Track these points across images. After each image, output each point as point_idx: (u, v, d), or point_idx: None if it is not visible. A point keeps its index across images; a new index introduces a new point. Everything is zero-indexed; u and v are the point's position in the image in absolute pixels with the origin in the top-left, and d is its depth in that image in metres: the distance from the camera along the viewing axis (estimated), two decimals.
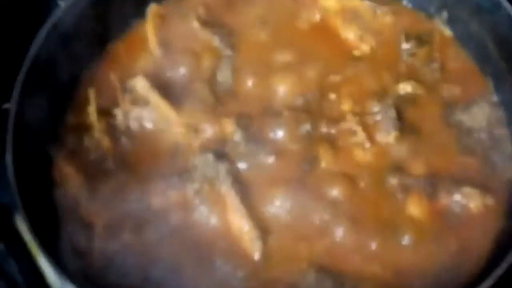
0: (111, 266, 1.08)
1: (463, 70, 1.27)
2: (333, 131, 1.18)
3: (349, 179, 1.14)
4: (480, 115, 1.20)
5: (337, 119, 1.19)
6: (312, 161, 1.15)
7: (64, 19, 1.20)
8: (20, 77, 1.13)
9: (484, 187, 1.13)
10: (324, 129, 1.18)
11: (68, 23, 1.21)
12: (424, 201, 1.12)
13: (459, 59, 1.28)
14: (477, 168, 1.16)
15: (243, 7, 1.34)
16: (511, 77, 1.21)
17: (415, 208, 1.11)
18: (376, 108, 1.19)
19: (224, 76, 1.26)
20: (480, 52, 1.26)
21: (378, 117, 1.18)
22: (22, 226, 1.03)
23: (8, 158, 1.05)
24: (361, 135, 1.16)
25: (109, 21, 1.29)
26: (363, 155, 1.16)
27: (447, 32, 1.30)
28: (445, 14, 1.30)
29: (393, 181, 1.13)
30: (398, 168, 1.15)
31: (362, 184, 1.14)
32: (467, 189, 1.11)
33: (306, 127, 1.18)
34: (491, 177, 1.16)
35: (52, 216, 1.11)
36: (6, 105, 1.26)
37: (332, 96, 1.21)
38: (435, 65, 1.25)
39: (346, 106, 1.20)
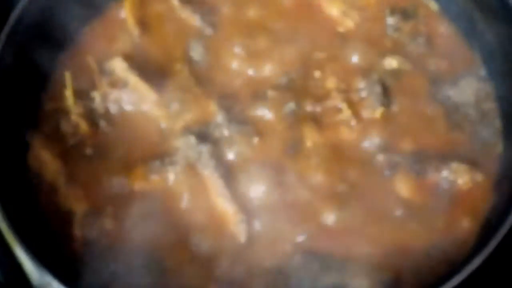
0: (92, 254, 1.06)
1: (449, 44, 1.25)
2: (318, 109, 1.16)
3: (335, 158, 1.11)
4: (467, 90, 1.18)
5: (322, 97, 1.17)
6: (297, 141, 1.13)
7: (35, 2, 1.17)
8: None
9: (473, 163, 1.11)
10: (309, 107, 1.16)
11: (43, 3, 1.18)
12: (412, 178, 1.10)
13: (445, 33, 1.25)
14: (465, 143, 1.14)
15: None
16: (499, 50, 1.18)
17: (402, 185, 1.09)
18: (361, 84, 1.17)
19: (198, 54, 1.23)
20: (467, 25, 1.24)
21: (364, 94, 1.16)
22: None
23: None
24: (346, 112, 1.14)
25: (85, 0, 1.25)
26: (349, 132, 1.14)
27: (433, 5, 1.28)
28: None
29: (380, 158, 1.11)
30: (386, 145, 1.13)
31: (348, 163, 1.11)
32: (455, 165, 1.09)
33: (291, 106, 1.15)
34: (480, 152, 1.13)
35: (29, 204, 1.08)
36: None
37: (317, 73, 1.19)
38: (421, 40, 1.23)
39: (330, 83, 1.18)
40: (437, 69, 1.21)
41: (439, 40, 1.24)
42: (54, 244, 1.05)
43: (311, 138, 1.13)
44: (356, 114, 1.14)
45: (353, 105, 1.15)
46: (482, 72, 1.21)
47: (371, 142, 1.13)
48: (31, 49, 1.17)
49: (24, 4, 1.15)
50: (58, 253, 1.04)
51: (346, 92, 1.16)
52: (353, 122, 1.14)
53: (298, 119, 1.15)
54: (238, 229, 1.07)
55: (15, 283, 0.99)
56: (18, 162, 1.11)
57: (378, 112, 1.14)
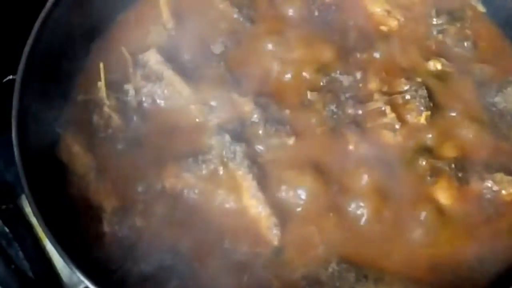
0: (121, 251, 1.06)
1: (496, 48, 1.25)
2: (360, 111, 1.15)
3: (377, 163, 1.11)
4: None
5: (364, 99, 1.17)
6: (338, 143, 1.13)
7: None
8: (26, 49, 1.10)
9: None
10: (350, 110, 1.15)
11: None
12: (454, 185, 1.10)
13: (492, 38, 1.26)
14: (510, 153, 1.14)
15: None
16: None
17: (443, 192, 1.09)
18: (405, 86, 1.16)
19: (235, 49, 1.22)
20: None
21: (408, 96, 1.15)
22: (28, 208, 1.01)
23: (14, 136, 1.03)
24: (390, 116, 1.14)
25: None
26: (393, 136, 1.13)
27: (480, 8, 1.28)
28: None
29: (423, 163, 1.11)
30: (428, 150, 1.13)
31: (390, 169, 1.11)
32: (500, 175, 1.09)
33: (332, 108, 1.15)
34: None
35: (60, 199, 1.09)
36: (10, 77, 1.24)
37: (358, 74, 1.19)
38: (467, 43, 1.23)
39: (373, 85, 1.18)
40: (482, 74, 1.21)
41: (485, 45, 1.25)
42: (84, 240, 1.06)
43: (353, 141, 1.13)
44: (400, 117, 1.14)
45: (397, 108, 1.15)
46: None
47: (415, 146, 1.13)
48: (65, 38, 1.17)
49: None
50: (88, 250, 1.05)
51: (389, 95, 1.16)
52: (397, 126, 1.13)
53: (339, 121, 1.14)
54: (270, 233, 1.07)
55: (45, 279, 0.99)
56: (49, 154, 1.12)
57: (423, 116, 1.14)
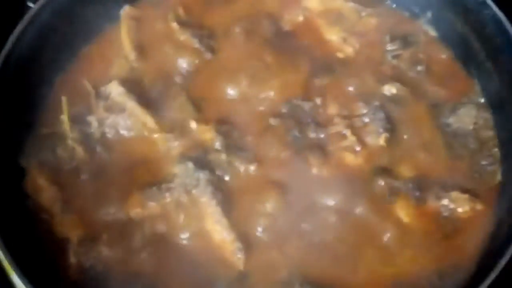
0: (87, 281, 1.09)
1: (448, 71, 1.30)
2: (322, 135, 1.20)
3: (339, 184, 1.15)
4: (466, 117, 1.22)
5: (325, 123, 1.21)
6: (301, 167, 1.17)
7: (34, 22, 1.21)
8: None
9: (473, 192, 1.16)
10: (312, 134, 1.20)
11: (38, 26, 1.22)
12: (412, 204, 1.14)
13: (444, 60, 1.31)
14: (465, 172, 1.19)
15: (223, 7, 1.35)
16: (497, 78, 1.24)
17: (402, 211, 1.14)
18: (364, 110, 1.21)
19: (196, 79, 1.27)
20: (466, 53, 1.29)
21: (366, 119, 1.20)
22: None
23: None
24: (351, 138, 1.18)
25: (81, 24, 1.29)
26: (354, 158, 1.18)
27: (432, 32, 1.33)
28: (429, 14, 1.33)
29: (382, 183, 1.15)
30: (387, 171, 1.17)
31: (352, 190, 1.15)
32: (455, 194, 1.14)
33: (294, 132, 1.19)
34: (479, 181, 1.18)
35: (26, 231, 1.11)
36: None
37: (318, 100, 1.23)
38: (420, 67, 1.28)
39: (333, 109, 1.22)
40: (436, 96, 1.26)
41: (438, 68, 1.29)
42: (50, 271, 1.08)
43: (316, 164, 1.17)
44: (360, 140, 1.18)
45: (356, 131, 1.19)
46: (481, 99, 1.26)
47: (374, 167, 1.17)
48: (28, 72, 1.21)
49: (21, 28, 1.19)
50: (55, 280, 1.07)
51: (349, 118, 1.21)
52: (358, 148, 1.18)
53: (302, 146, 1.18)
54: (235, 257, 1.10)
55: None
56: (15, 189, 1.14)
57: (382, 138, 1.18)
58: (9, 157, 1.16)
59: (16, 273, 0.99)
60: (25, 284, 0.98)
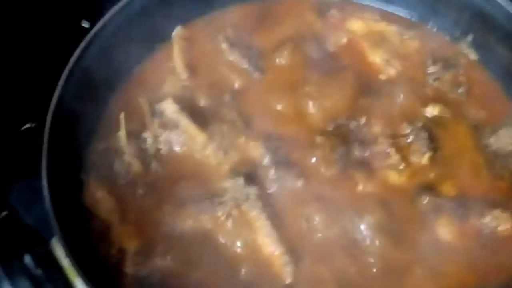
0: None
1: (489, 93, 1.34)
2: (366, 154, 1.24)
3: (383, 202, 1.20)
4: (506, 138, 1.26)
5: (369, 142, 1.26)
6: (347, 184, 1.22)
7: (92, 44, 1.27)
8: (53, 103, 1.19)
9: None
10: (357, 152, 1.24)
11: (96, 47, 1.28)
12: (454, 222, 1.18)
13: (484, 83, 1.35)
14: (506, 191, 1.23)
15: (271, 28, 1.40)
16: None
17: (445, 228, 1.18)
18: (407, 130, 1.25)
19: (245, 98, 1.32)
20: (506, 76, 1.33)
21: (410, 139, 1.24)
22: (59, 251, 1.09)
23: (44, 183, 1.11)
24: (395, 157, 1.22)
25: (135, 44, 1.35)
26: (398, 176, 1.22)
27: (473, 55, 1.37)
28: (470, 38, 1.37)
29: (425, 201, 1.20)
30: (430, 189, 1.21)
31: (395, 207, 1.20)
32: (497, 212, 1.18)
33: (340, 151, 1.24)
34: None
35: (86, 242, 1.17)
36: (27, 125, 1.33)
37: (362, 119, 1.28)
38: (461, 89, 1.32)
39: (377, 128, 1.27)
40: (476, 118, 1.30)
41: (478, 90, 1.34)
42: (109, 281, 1.14)
43: (361, 181, 1.22)
44: (404, 158, 1.23)
45: (400, 150, 1.23)
46: None
47: (417, 185, 1.22)
48: (86, 90, 1.27)
49: (80, 50, 1.25)
50: None
51: (393, 138, 1.25)
52: (402, 166, 1.22)
53: (347, 163, 1.23)
54: (284, 270, 1.15)
55: None
56: (75, 201, 1.20)
57: (425, 157, 1.23)
58: (70, 172, 1.22)
59: (82, 278, 1.05)
60: None
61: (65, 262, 1.07)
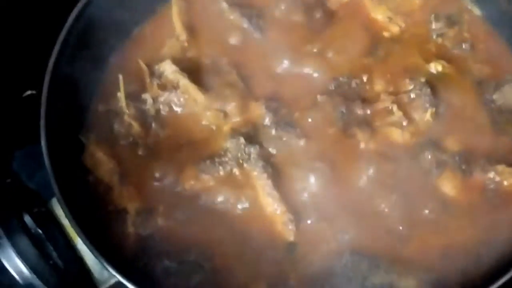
0: (145, 250, 1.15)
1: (493, 49, 1.32)
2: (368, 111, 1.23)
3: (385, 158, 1.19)
4: (511, 94, 1.25)
5: (371, 100, 1.24)
6: (348, 143, 1.21)
7: (90, 5, 1.25)
8: (50, 64, 1.18)
9: None
10: (359, 111, 1.23)
11: (94, 9, 1.26)
12: (458, 177, 1.17)
13: (489, 39, 1.33)
14: (510, 146, 1.22)
15: None
16: None
17: (449, 184, 1.17)
18: (410, 86, 1.24)
19: (246, 58, 1.30)
20: (510, 31, 1.31)
21: (413, 95, 1.23)
22: (59, 211, 1.09)
23: (43, 145, 1.11)
24: (397, 114, 1.21)
25: (133, 5, 1.33)
26: (401, 134, 1.21)
27: (476, 11, 1.35)
28: None
29: (428, 156, 1.18)
30: (434, 144, 1.20)
31: (398, 164, 1.19)
32: (501, 167, 1.17)
33: (341, 109, 1.23)
34: None
35: (86, 203, 1.17)
36: (28, 92, 1.33)
37: (364, 77, 1.26)
38: (465, 45, 1.30)
39: (379, 86, 1.25)
40: (481, 73, 1.28)
41: (482, 46, 1.32)
42: (110, 240, 1.14)
43: (363, 140, 1.20)
44: (407, 115, 1.21)
45: (403, 107, 1.22)
46: None
47: (420, 142, 1.21)
48: (84, 53, 1.25)
49: (77, 11, 1.23)
50: (115, 249, 1.13)
51: (395, 94, 1.24)
52: (405, 123, 1.21)
53: (349, 122, 1.22)
54: (285, 229, 1.15)
55: (78, 275, 1.07)
56: (75, 162, 1.20)
57: (428, 112, 1.21)
58: (70, 134, 1.22)
59: (82, 239, 1.05)
60: (90, 250, 1.04)
61: (66, 222, 1.07)
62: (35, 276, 1.00)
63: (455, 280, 1.11)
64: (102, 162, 1.21)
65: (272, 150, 1.21)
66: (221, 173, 1.19)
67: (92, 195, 1.19)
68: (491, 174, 1.17)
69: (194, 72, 1.27)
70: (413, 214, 1.15)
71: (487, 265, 1.11)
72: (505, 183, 1.17)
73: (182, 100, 1.25)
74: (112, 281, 1.10)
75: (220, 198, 1.18)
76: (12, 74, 1.42)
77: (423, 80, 1.24)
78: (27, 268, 1.00)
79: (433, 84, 1.24)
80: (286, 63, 1.29)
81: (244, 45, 1.32)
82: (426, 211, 1.15)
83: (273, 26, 1.33)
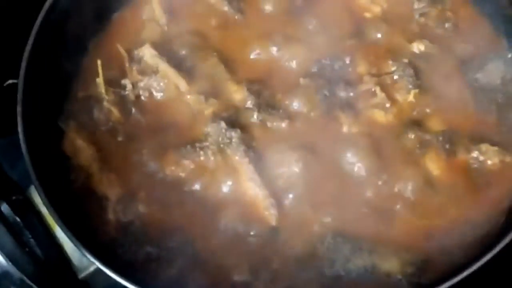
0: (125, 237, 1.13)
1: (476, 28, 1.31)
2: (351, 94, 1.22)
3: (369, 141, 1.18)
4: (494, 73, 1.24)
5: (354, 82, 1.23)
6: (331, 126, 1.20)
7: None
8: (26, 51, 1.17)
9: (502, 145, 1.17)
10: (342, 93, 1.22)
11: None
12: (442, 157, 1.16)
13: (472, 18, 1.32)
14: (494, 125, 1.21)
15: None
16: None
17: (433, 164, 1.16)
18: (392, 67, 1.23)
19: (226, 41, 1.29)
20: (493, 10, 1.30)
21: (396, 76, 1.22)
22: (37, 199, 1.08)
23: (20, 131, 1.10)
24: (380, 95, 1.20)
25: None
26: (384, 115, 1.20)
27: None
28: None
29: (412, 136, 1.17)
30: (417, 125, 1.19)
31: (382, 144, 1.18)
32: (485, 146, 1.16)
33: (324, 92, 1.22)
34: (508, 134, 1.20)
35: (66, 190, 1.16)
36: (10, 81, 1.31)
37: (347, 59, 1.25)
38: (448, 24, 1.29)
39: (362, 68, 1.24)
40: (464, 53, 1.27)
41: (465, 24, 1.31)
42: (90, 227, 1.13)
43: (346, 122, 1.19)
44: (389, 96, 1.21)
45: (386, 88, 1.21)
46: (509, 55, 1.27)
47: (404, 123, 1.20)
48: (63, 38, 1.25)
49: None
50: (95, 236, 1.12)
51: (378, 76, 1.23)
52: (388, 105, 1.20)
53: (332, 105, 1.21)
54: (268, 213, 1.14)
55: (57, 263, 1.06)
56: (54, 149, 1.19)
57: (411, 94, 1.20)
58: (48, 120, 1.20)
59: (60, 227, 1.04)
60: (69, 237, 1.03)
61: (44, 210, 1.06)
62: (11, 264, 0.99)
63: (439, 260, 1.09)
64: (82, 148, 1.19)
65: (254, 134, 1.20)
66: (202, 158, 1.17)
67: (72, 182, 1.17)
68: (475, 154, 1.16)
69: (174, 56, 1.27)
70: (397, 195, 1.14)
71: (471, 244, 1.09)
72: (489, 162, 1.16)
73: (162, 85, 1.24)
74: (92, 268, 1.09)
75: (201, 183, 1.17)
76: None
77: (405, 61, 1.23)
78: (3, 256, 0.99)
79: (416, 65, 1.24)
80: (267, 46, 1.28)
81: (224, 29, 1.31)
82: (410, 192, 1.14)
83: (254, 10, 1.32)
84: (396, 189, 1.14)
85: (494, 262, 1.01)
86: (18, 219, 1.04)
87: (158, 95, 1.24)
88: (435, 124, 1.20)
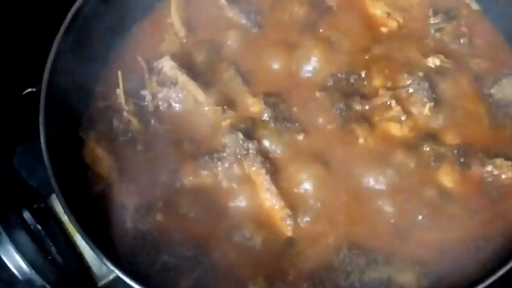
0: (143, 246, 1.15)
1: (491, 44, 1.32)
2: (367, 107, 1.23)
3: (385, 154, 1.19)
4: (509, 88, 1.24)
5: (370, 95, 1.24)
6: (347, 138, 1.21)
7: (88, 2, 1.26)
8: (49, 60, 1.19)
9: None
10: (358, 106, 1.23)
11: (92, 7, 1.27)
12: (456, 170, 1.17)
13: (487, 33, 1.33)
14: (508, 140, 1.21)
15: None
16: None
17: (447, 177, 1.17)
18: (408, 81, 1.24)
19: (243, 54, 1.30)
20: (509, 26, 1.31)
21: (411, 90, 1.23)
22: (58, 207, 1.09)
23: (42, 141, 1.12)
24: (396, 108, 1.21)
25: (133, 2, 1.34)
26: (399, 128, 1.21)
27: (475, 6, 1.35)
28: None
29: (427, 149, 1.18)
30: (432, 138, 1.20)
31: (397, 158, 1.18)
32: (499, 161, 1.17)
33: (340, 105, 1.23)
34: None
35: (85, 199, 1.17)
36: (29, 89, 1.33)
37: (363, 73, 1.26)
38: (463, 40, 1.30)
39: (377, 81, 1.25)
40: (478, 68, 1.28)
41: (480, 40, 1.32)
42: (109, 236, 1.14)
43: (362, 135, 1.20)
44: (405, 110, 1.21)
45: (401, 102, 1.22)
46: None
47: (419, 136, 1.20)
48: (84, 49, 1.26)
49: (77, 7, 1.24)
50: (114, 244, 1.13)
51: (394, 89, 1.23)
52: (403, 118, 1.21)
53: (348, 118, 1.22)
54: (284, 223, 1.15)
55: (77, 271, 1.08)
56: (74, 158, 1.21)
57: (427, 107, 1.21)
58: (69, 130, 1.22)
59: (81, 235, 1.05)
60: (89, 246, 1.05)
61: (65, 218, 1.07)
62: (34, 272, 1.00)
63: (453, 274, 1.10)
64: (102, 158, 1.21)
65: (271, 146, 1.21)
66: (220, 168, 1.18)
67: (91, 191, 1.19)
68: (489, 168, 1.17)
69: (192, 68, 1.28)
70: (412, 209, 1.15)
71: (485, 258, 1.10)
72: (503, 176, 1.17)
73: (180, 96, 1.25)
74: (111, 276, 1.10)
75: (218, 194, 1.18)
76: (12, 72, 1.42)
77: (421, 74, 1.24)
78: (26, 264, 1.01)
79: (431, 78, 1.24)
80: (284, 60, 1.29)
81: (242, 41, 1.32)
82: (425, 205, 1.15)
83: (271, 23, 1.34)
84: (411, 203, 1.15)
85: (509, 276, 1.02)
86: (39, 227, 1.06)
87: (177, 106, 1.25)
88: (450, 138, 1.20)
